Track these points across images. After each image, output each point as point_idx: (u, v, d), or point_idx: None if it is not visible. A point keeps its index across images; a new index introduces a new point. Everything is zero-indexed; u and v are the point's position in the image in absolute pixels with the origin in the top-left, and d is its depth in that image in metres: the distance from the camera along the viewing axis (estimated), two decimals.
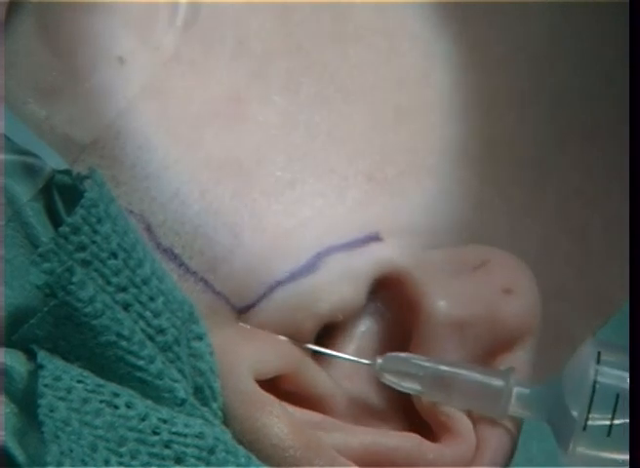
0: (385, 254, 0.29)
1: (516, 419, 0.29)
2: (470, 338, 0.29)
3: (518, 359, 0.29)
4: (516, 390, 0.28)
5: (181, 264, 0.29)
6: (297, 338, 0.28)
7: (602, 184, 0.32)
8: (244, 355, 0.28)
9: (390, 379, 0.28)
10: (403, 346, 0.29)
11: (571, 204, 0.32)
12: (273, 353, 0.28)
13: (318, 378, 0.28)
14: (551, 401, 0.28)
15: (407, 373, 0.28)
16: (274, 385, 0.28)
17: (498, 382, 0.28)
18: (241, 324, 0.29)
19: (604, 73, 0.31)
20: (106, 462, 0.24)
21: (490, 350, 0.29)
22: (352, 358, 0.29)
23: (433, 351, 0.29)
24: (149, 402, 0.26)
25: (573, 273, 0.33)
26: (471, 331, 0.29)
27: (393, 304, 0.29)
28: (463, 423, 0.28)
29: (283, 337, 0.28)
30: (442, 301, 0.29)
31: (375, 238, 0.29)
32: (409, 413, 0.29)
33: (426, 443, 0.28)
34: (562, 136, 0.32)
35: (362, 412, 0.29)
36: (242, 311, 0.29)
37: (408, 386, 0.28)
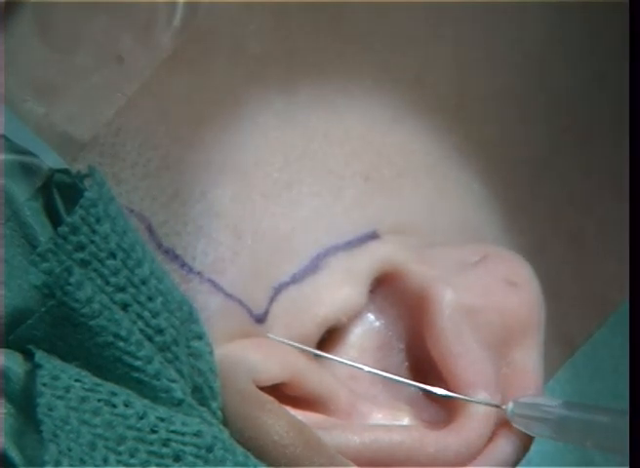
0: (385, 252, 0.29)
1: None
2: (482, 325, 0.28)
3: (532, 354, 0.29)
4: None
5: (184, 265, 0.29)
6: (302, 342, 0.28)
7: (597, 185, 0.32)
8: (246, 360, 0.28)
9: (521, 423, 0.28)
10: (407, 341, 0.29)
11: (566, 204, 0.32)
12: (277, 363, 0.28)
13: (322, 380, 0.28)
14: None
15: (537, 418, 0.28)
16: (276, 389, 0.28)
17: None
18: (254, 332, 0.28)
19: (600, 74, 0.31)
20: (105, 461, 0.24)
21: (503, 340, 0.29)
22: (479, 400, 0.28)
23: (448, 338, 0.28)
24: (147, 401, 0.26)
25: (568, 274, 0.33)
26: (482, 317, 0.28)
27: (394, 300, 0.29)
28: (476, 414, 0.28)
29: (296, 344, 0.28)
30: (449, 290, 0.28)
31: (372, 236, 0.29)
32: (416, 408, 0.29)
33: (429, 435, 0.28)
34: (558, 137, 0.32)
35: (368, 411, 0.28)
36: (259, 319, 0.28)
37: (539, 431, 0.28)
